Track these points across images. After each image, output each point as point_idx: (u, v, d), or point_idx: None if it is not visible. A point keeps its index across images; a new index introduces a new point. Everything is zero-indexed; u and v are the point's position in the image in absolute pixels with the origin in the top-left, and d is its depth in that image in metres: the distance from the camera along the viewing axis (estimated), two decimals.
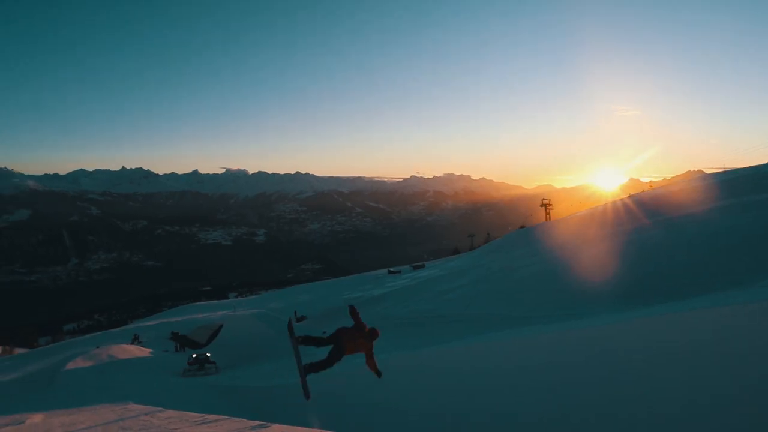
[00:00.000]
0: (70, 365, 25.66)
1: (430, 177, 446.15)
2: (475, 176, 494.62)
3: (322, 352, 6.24)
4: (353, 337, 6.09)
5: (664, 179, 68.79)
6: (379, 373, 6.41)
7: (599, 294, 24.31)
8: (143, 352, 32.40)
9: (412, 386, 13.41)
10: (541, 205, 57.77)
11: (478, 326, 25.54)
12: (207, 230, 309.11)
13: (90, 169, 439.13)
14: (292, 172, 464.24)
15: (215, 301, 69.82)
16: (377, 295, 43.26)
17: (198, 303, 67.82)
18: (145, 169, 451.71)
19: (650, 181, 65.94)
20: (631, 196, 46.11)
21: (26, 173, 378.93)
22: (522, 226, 71.48)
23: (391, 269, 62.57)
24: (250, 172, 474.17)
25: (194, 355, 27.76)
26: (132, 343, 37.09)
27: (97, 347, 31.78)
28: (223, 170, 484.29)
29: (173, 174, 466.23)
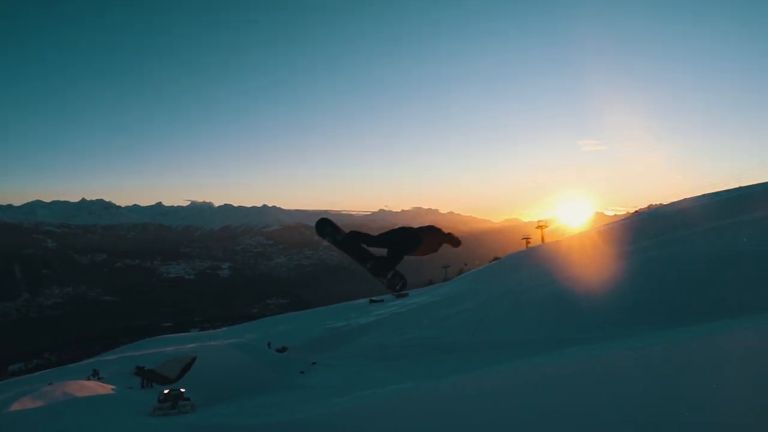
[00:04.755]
0: (16, 406, 21.38)
1: (399, 211, 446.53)
2: (443, 210, 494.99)
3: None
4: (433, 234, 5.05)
5: (627, 212, 69.28)
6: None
7: (615, 316, 22.15)
8: (105, 389, 28.14)
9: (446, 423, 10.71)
10: (537, 227, 56.26)
11: (494, 352, 22.87)
12: (169, 264, 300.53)
13: (47, 200, 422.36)
14: (259, 205, 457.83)
15: (185, 334, 64.92)
16: (364, 323, 40.06)
17: (165, 336, 62.61)
18: (106, 200, 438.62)
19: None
20: (590, 230, 45.22)
21: None
22: (495, 258, 69.69)
23: (373, 298, 59.37)
24: (216, 205, 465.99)
25: (166, 391, 23.95)
26: (91, 379, 32.71)
27: (50, 384, 27.42)
28: (188, 203, 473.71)
29: (135, 206, 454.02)
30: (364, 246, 4.99)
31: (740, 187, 37.56)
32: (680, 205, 38.84)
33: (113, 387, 29.00)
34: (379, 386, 18.89)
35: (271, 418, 17.06)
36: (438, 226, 5.32)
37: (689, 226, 29.23)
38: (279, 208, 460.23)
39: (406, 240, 4.84)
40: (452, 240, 5.42)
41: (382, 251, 4.98)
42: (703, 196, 38.46)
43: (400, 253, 4.80)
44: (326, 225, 5.03)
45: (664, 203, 54.80)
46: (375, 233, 5.04)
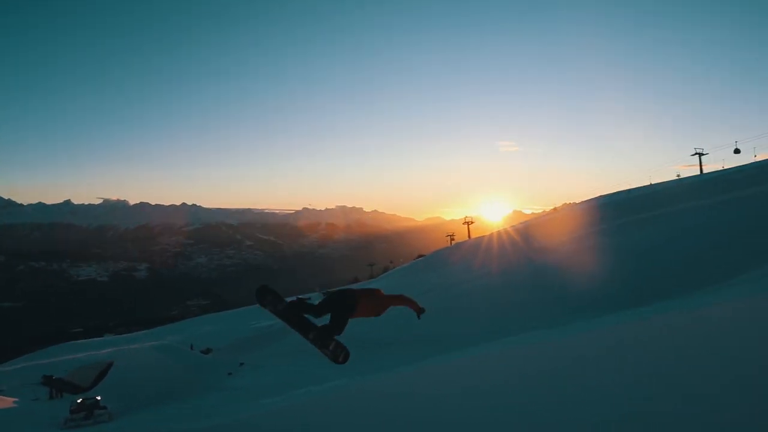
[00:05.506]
0: None
1: (323, 209, 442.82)
2: (367, 208, 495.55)
3: None
4: (371, 295, 4.83)
5: (543, 211, 73.13)
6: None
7: (543, 308, 22.99)
8: (5, 402, 25.73)
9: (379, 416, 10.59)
10: (464, 224, 57.72)
11: (427, 347, 23.03)
12: (80, 266, 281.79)
13: None
14: (178, 204, 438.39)
15: (98, 339, 60.84)
16: None
17: (75, 342, 58.35)
18: (5, 198, 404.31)
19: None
20: (513, 226, 47.24)
21: None
22: (420, 256, 70.99)
23: (300, 296, 58.54)
24: (132, 203, 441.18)
25: (79, 401, 22.24)
26: None
27: None
28: (101, 200, 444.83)
29: (40, 204, 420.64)
30: (306, 316, 4.97)
31: (651, 185, 40.32)
32: (594, 203, 41.15)
33: (15, 400, 26.58)
34: (313, 384, 18.47)
35: (198, 423, 16.14)
36: (379, 290, 5.08)
37: (606, 220, 30.93)
38: (199, 206, 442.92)
39: (347, 306, 4.79)
40: (414, 306, 5.02)
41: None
42: (617, 193, 40.95)
43: (342, 319, 4.71)
44: (267, 293, 4.97)
45: (577, 202, 57.79)
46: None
